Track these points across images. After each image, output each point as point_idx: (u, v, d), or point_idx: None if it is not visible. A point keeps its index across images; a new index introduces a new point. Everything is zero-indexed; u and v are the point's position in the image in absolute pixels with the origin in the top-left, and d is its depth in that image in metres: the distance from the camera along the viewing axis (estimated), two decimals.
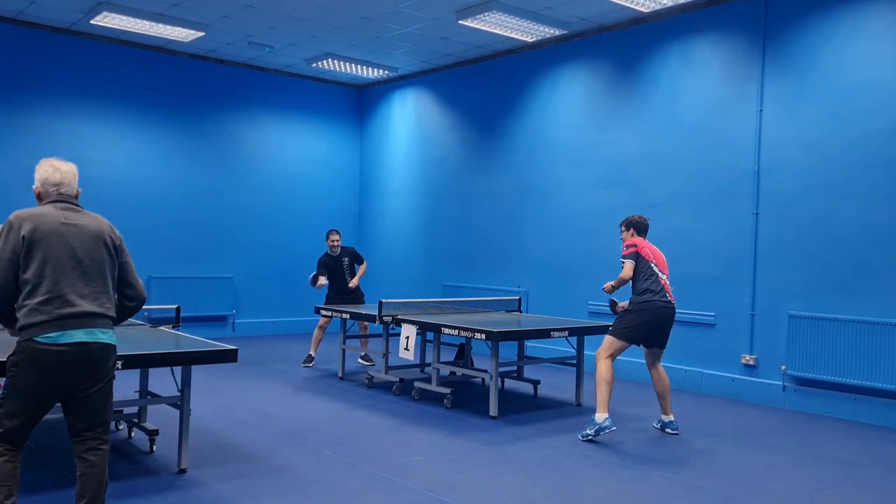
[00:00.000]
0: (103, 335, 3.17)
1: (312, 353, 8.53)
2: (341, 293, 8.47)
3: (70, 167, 3.31)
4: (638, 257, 5.61)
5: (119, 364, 3.49)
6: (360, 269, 8.59)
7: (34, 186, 3.29)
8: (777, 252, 7.05)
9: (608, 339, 5.61)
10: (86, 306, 3.12)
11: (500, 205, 9.83)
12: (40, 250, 3.07)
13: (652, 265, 5.60)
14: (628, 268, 5.58)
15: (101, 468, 3.20)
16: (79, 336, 3.08)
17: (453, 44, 9.53)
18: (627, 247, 5.68)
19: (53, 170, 3.24)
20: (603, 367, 5.50)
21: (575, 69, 8.95)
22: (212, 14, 8.61)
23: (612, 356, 5.55)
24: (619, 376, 8.14)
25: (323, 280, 8.27)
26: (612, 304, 5.81)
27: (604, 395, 5.42)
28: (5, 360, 3.16)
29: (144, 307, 6.44)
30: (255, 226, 11.11)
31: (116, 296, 3.34)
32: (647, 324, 5.55)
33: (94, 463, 3.19)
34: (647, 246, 5.70)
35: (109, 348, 3.20)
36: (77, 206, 3.28)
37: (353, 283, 8.48)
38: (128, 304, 3.39)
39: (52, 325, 3.03)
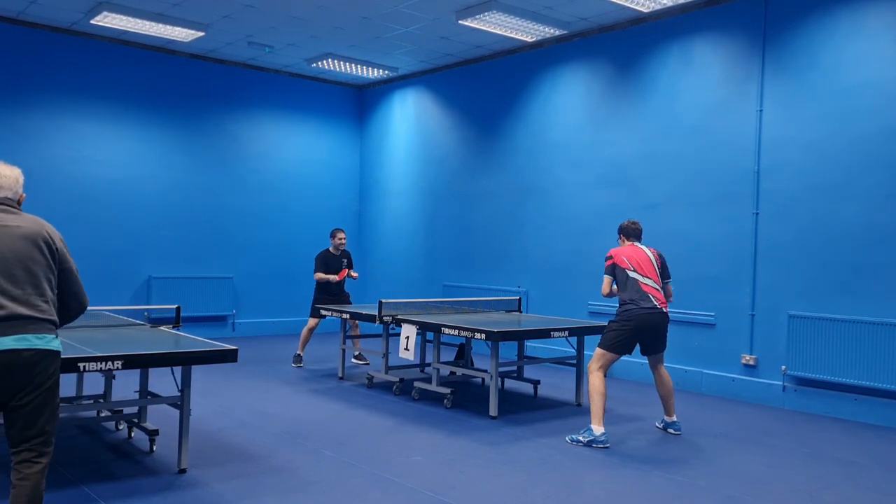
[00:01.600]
0: (38, 341, 2.94)
1: (301, 352, 8.55)
2: (330, 293, 8.49)
3: (12, 172, 3.19)
4: (615, 269, 5.64)
5: (59, 371, 3.09)
6: (353, 273, 8.62)
7: None
8: (777, 252, 7.05)
9: (598, 351, 5.58)
10: (17, 309, 2.92)
11: (500, 205, 9.83)
12: None
13: (629, 272, 5.57)
14: (604, 285, 5.72)
15: (35, 482, 2.94)
16: (8, 343, 2.86)
17: (453, 44, 9.53)
18: (605, 259, 5.75)
19: None
20: (595, 380, 5.45)
21: (575, 69, 8.95)
22: (212, 14, 8.61)
23: (603, 368, 5.51)
24: (619, 377, 8.15)
25: (333, 277, 8.41)
26: None
27: (598, 407, 5.37)
28: None
29: (144, 307, 6.51)
30: (255, 226, 11.11)
31: (55, 299, 3.14)
32: (634, 332, 5.51)
33: (27, 475, 2.94)
34: (627, 253, 5.66)
35: (45, 354, 2.95)
36: (13, 208, 3.13)
37: (353, 274, 8.56)
38: (64, 310, 3.19)
39: None
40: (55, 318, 3.07)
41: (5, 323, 2.89)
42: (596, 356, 5.57)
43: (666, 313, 5.62)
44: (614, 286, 5.72)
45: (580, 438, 5.37)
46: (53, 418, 3.02)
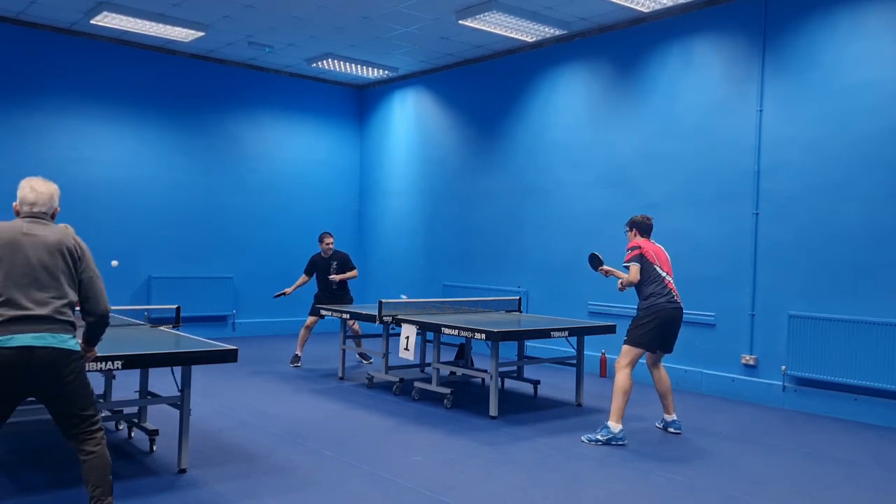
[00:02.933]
0: (54, 339, 3.20)
1: (299, 352, 8.58)
2: (328, 294, 8.59)
3: (47, 188, 3.48)
4: (642, 259, 5.53)
5: (79, 366, 3.37)
6: (349, 273, 8.62)
7: (14, 203, 3.48)
8: (777, 252, 7.05)
9: (625, 347, 5.54)
10: (37, 310, 3.20)
11: (500, 205, 9.83)
12: None
13: (656, 267, 5.54)
14: (634, 271, 5.51)
15: (99, 453, 3.32)
16: (26, 340, 3.14)
17: (453, 44, 9.53)
18: (631, 249, 5.60)
19: (30, 190, 3.45)
20: (622, 377, 5.43)
21: (575, 69, 8.95)
22: (212, 14, 8.61)
23: (631, 364, 5.49)
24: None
25: (288, 290, 8.70)
26: (595, 260, 5.83)
27: (620, 405, 5.37)
28: None
29: (144, 307, 6.49)
30: (255, 226, 11.11)
31: (75, 302, 3.40)
32: (661, 327, 5.50)
33: (89, 451, 3.31)
34: (650, 247, 5.63)
35: (60, 352, 3.21)
36: (44, 220, 3.43)
37: (336, 277, 8.52)
38: (86, 317, 3.44)
39: (2, 329, 3.14)
40: (73, 320, 3.33)
41: (25, 322, 3.17)
42: (624, 353, 5.53)
43: (683, 310, 5.63)
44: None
45: (598, 437, 5.36)
46: (88, 404, 3.34)
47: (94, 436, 3.34)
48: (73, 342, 3.30)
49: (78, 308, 3.45)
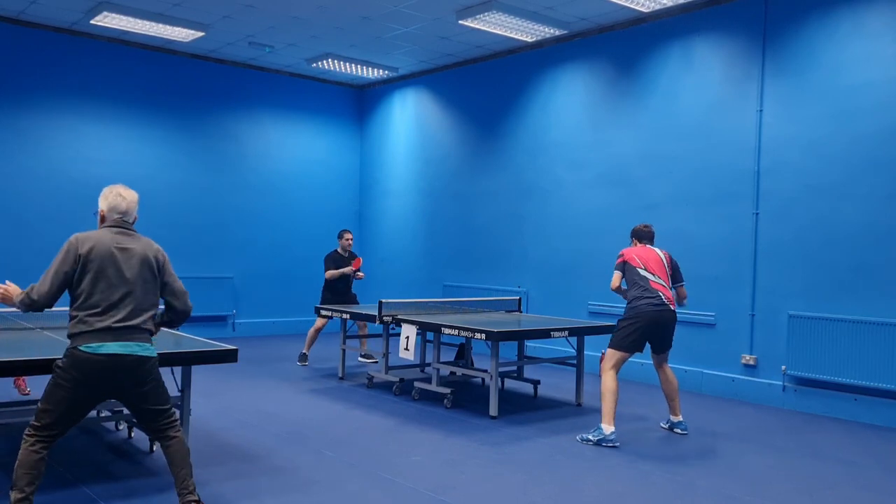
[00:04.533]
0: (138, 348, 3.48)
1: (306, 351, 8.59)
2: (338, 294, 8.52)
3: (133, 196, 3.67)
4: (625, 266, 5.71)
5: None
6: (359, 273, 8.62)
7: (100, 210, 3.63)
8: (777, 252, 7.05)
9: (608, 351, 5.61)
10: (127, 321, 3.47)
11: (500, 205, 9.83)
12: (92, 269, 3.43)
13: (639, 270, 5.63)
14: (614, 279, 5.76)
15: (180, 438, 3.63)
16: (114, 348, 3.41)
17: (453, 44, 9.53)
18: (617, 257, 5.81)
19: (120, 198, 3.60)
20: (607, 379, 5.48)
21: (575, 69, 8.95)
22: (212, 14, 8.61)
23: (615, 367, 5.55)
24: (621, 377, 8.14)
25: (347, 269, 8.46)
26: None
27: (609, 407, 5.40)
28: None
29: None
30: (255, 226, 11.11)
31: (163, 308, 3.76)
32: (642, 329, 5.54)
33: (171, 437, 3.61)
34: (637, 252, 5.73)
35: (142, 359, 3.50)
36: (131, 231, 3.61)
37: (361, 275, 8.57)
38: (171, 313, 3.77)
39: (93, 337, 3.39)
40: (153, 329, 3.63)
41: (116, 331, 3.42)
42: (607, 356, 5.60)
43: (674, 311, 5.65)
44: (623, 283, 5.77)
45: (590, 437, 5.38)
46: (165, 400, 3.63)
47: (173, 424, 3.64)
48: (153, 349, 3.58)
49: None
